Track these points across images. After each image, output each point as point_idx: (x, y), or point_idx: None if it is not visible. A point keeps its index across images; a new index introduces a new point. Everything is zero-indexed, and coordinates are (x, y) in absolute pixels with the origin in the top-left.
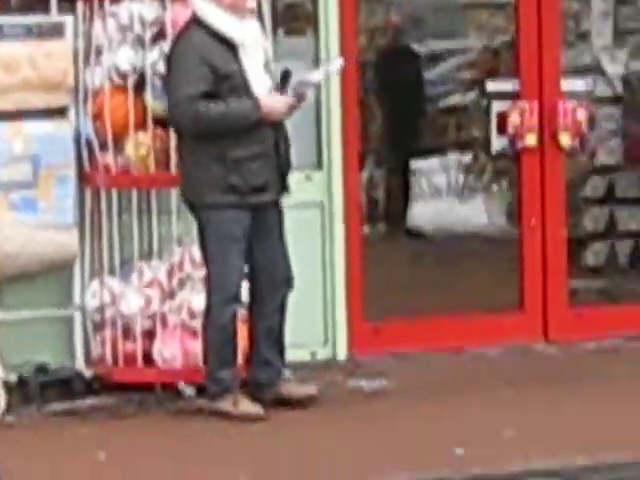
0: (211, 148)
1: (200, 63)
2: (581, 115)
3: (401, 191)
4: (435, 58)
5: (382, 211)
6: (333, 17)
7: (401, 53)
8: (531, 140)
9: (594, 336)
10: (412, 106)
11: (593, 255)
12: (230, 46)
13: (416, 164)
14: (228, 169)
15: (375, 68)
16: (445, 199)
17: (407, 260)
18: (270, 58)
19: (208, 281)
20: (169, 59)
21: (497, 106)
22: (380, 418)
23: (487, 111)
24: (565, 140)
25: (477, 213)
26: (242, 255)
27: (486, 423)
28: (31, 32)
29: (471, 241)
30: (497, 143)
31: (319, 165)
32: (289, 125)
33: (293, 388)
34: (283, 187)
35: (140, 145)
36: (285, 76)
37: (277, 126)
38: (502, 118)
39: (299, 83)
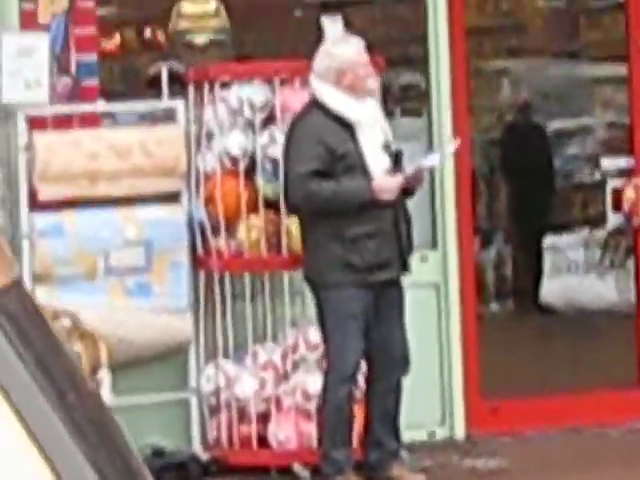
0: (328, 227)
1: (315, 143)
2: None
3: (530, 267)
4: (562, 135)
5: (510, 288)
6: (445, 96)
7: (529, 130)
8: None
9: None
10: (540, 183)
11: None
12: (347, 126)
13: (549, 240)
14: (346, 248)
15: (502, 145)
16: (579, 275)
17: (529, 337)
18: (390, 138)
19: (326, 360)
20: (286, 141)
21: (612, 183)
22: None
23: (602, 187)
24: None
25: (608, 289)
26: (361, 334)
27: None
28: (143, 118)
29: (600, 318)
30: (613, 219)
31: (434, 245)
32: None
33: (403, 474)
34: (403, 266)
35: (252, 228)
36: (397, 156)
37: (396, 205)
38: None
39: (416, 169)
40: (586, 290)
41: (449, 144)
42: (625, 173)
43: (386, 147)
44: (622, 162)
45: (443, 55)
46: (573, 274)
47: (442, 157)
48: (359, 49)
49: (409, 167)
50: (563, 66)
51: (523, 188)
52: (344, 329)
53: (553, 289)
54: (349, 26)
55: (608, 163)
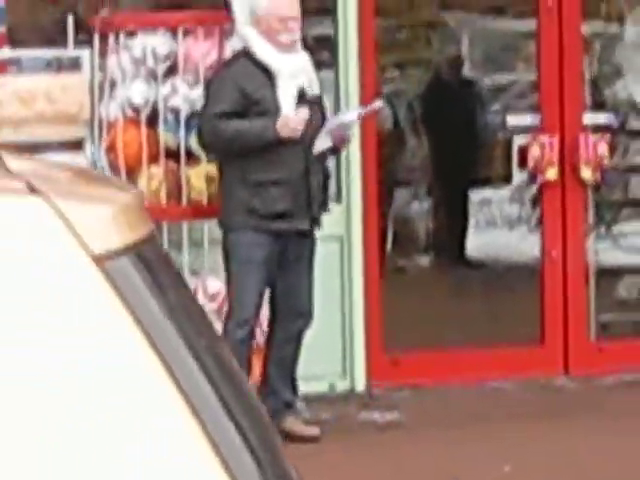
0: (236, 171)
1: (231, 87)
2: (602, 149)
3: (455, 221)
4: (490, 90)
5: (435, 241)
6: (352, 49)
7: (457, 84)
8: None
9: (617, 370)
10: (464, 138)
11: (625, 288)
12: (269, 74)
13: (473, 194)
14: (250, 192)
15: (428, 99)
16: (501, 230)
17: (446, 291)
18: (315, 92)
19: (227, 303)
20: (205, 85)
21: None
22: (386, 451)
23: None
24: (586, 174)
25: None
26: (261, 281)
27: (488, 458)
28: (49, 65)
29: (520, 272)
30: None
31: (338, 198)
32: None
33: (297, 426)
34: (315, 218)
35: (152, 178)
36: (300, 96)
37: (309, 155)
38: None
39: (337, 126)
40: (507, 244)
41: (373, 104)
42: (531, 130)
43: (306, 98)
44: (527, 119)
45: (351, 7)
46: (496, 228)
47: (359, 113)
48: (282, 1)
49: (329, 122)
50: (492, 21)
51: (448, 142)
52: (243, 273)
53: (478, 243)
54: None
55: (514, 120)
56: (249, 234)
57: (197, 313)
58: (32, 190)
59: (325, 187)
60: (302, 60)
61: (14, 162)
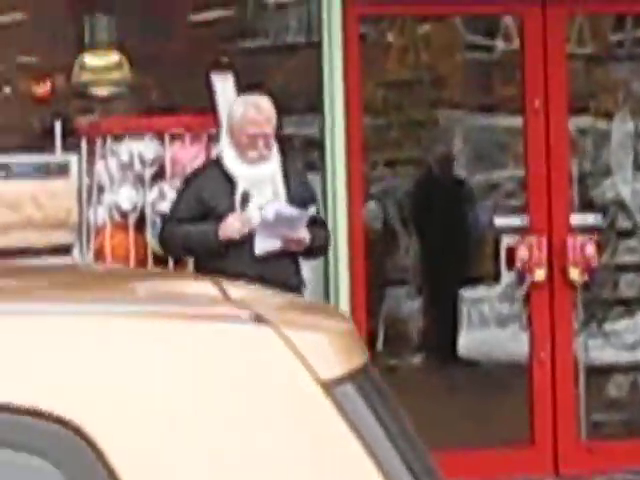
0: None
1: (191, 193)
2: (590, 250)
3: (446, 320)
4: (478, 188)
5: (428, 340)
6: (340, 150)
7: (447, 182)
8: (540, 275)
9: (606, 471)
10: (454, 236)
11: (616, 387)
12: (232, 182)
13: (464, 293)
14: None
15: (419, 197)
16: (491, 328)
17: (438, 390)
18: (279, 199)
19: None
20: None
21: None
22: None
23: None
24: (575, 275)
25: (512, 341)
26: None
27: None
28: (37, 171)
29: (507, 373)
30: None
31: (326, 299)
32: None
33: None
34: None
35: None
36: (244, 198)
37: (262, 269)
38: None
39: (278, 217)
40: (497, 343)
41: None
42: (520, 231)
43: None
44: (515, 220)
45: (338, 107)
46: (487, 327)
47: (278, 212)
48: (253, 115)
49: (269, 214)
50: (481, 119)
51: (438, 241)
52: None
53: (469, 342)
54: (242, 83)
55: (501, 221)
56: None
57: (412, 438)
58: (259, 319)
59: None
60: (268, 170)
61: (233, 290)
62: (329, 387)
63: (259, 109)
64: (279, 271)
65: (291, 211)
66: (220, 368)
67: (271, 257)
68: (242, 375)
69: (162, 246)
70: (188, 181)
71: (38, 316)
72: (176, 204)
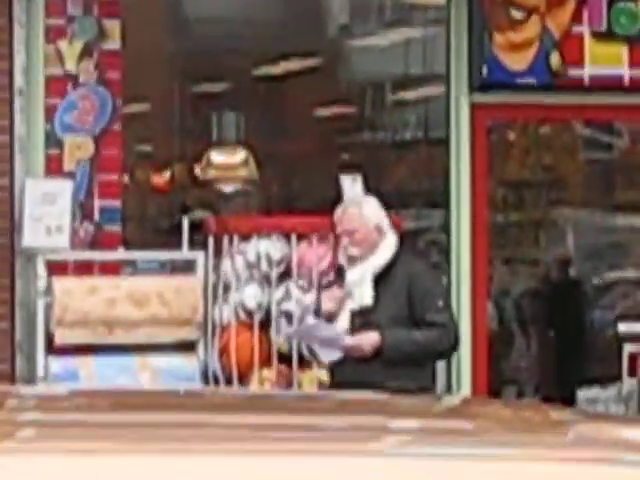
0: None
1: None
2: None
3: None
4: (599, 289)
5: None
6: (465, 250)
7: (567, 283)
8: None
9: None
10: (573, 337)
11: None
12: None
13: (582, 394)
14: None
15: (539, 298)
16: None
17: None
18: (363, 303)
19: None
20: None
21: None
22: None
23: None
24: None
25: None
26: None
27: None
28: (163, 267)
29: None
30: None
31: None
32: None
33: None
34: None
35: (265, 381)
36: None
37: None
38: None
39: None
40: None
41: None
42: None
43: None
44: (638, 327)
45: (464, 206)
46: None
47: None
48: (344, 212)
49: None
50: (603, 219)
51: (555, 341)
52: None
53: None
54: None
55: (624, 327)
56: None
57: None
58: None
59: None
60: (358, 273)
61: (627, 432)
62: None
63: (344, 208)
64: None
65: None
66: None
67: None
68: None
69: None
70: None
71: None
72: None
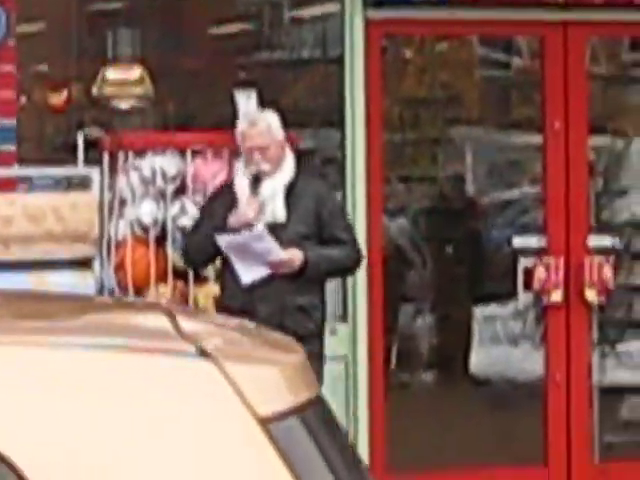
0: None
1: (206, 209)
2: (607, 271)
3: (459, 337)
4: (494, 207)
5: (440, 357)
6: (360, 168)
7: (461, 201)
8: (557, 296)
9: None
10: (469, 255)
11: (629, 409)
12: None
13: (478, 310)
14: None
15: (434, 215)
16: (503, 346)
17: (450, 409)
18: (280, 219)
19: None
20: None
21: (524, 261)
22: None
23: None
24: (591, 296)
25: (529, 361)
26: None
27: None
28: (59, 184)
29: (524, 391)
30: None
31: (344, 318)
32: None
33: None
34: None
35: (160, 297)
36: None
37: (254, 287)
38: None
39: (237, 252)
40: (514, 362)
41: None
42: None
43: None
44: (533, 240)
45: (359, 125)
46: (501, 345)
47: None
48: (247, 129)
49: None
50: (497, 137)
51: (453, 259)
52: None
53: (481, 360)
54: (266, 95)
55: (519, 241)
56: None
57: (359, 469)
58: (202, 353)
59: (289, 315)
60: (269, 188)
61: (186, 323)
62: (267, 422)
63: (253, 123)
64: (278, 295)
65: (241, 237)
66: (159, 401)
67: (265, 282)
68: (180, 409)
69: (184, 256)
70: (207, 197)
71: None
72: (196, 219)
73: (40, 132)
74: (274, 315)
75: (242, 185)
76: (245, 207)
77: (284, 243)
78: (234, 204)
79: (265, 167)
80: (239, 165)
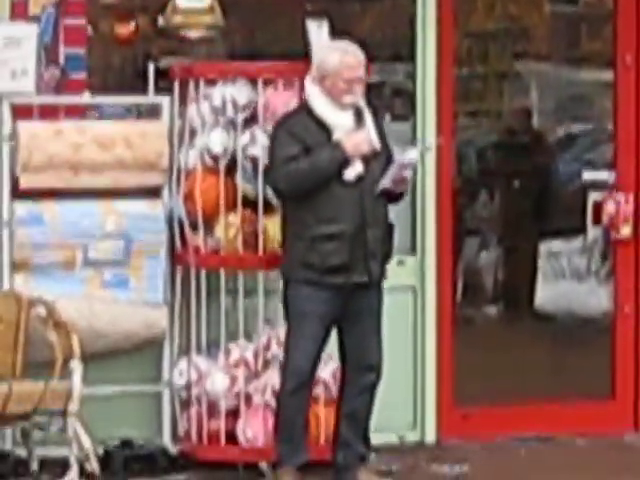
0: (294, 225)
1: (294, 139)
2: None
3: (525, 272)
4: (563, 141)
5: (505, 292)
6: (430, 101)
7: (529, 135)
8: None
9: None
10: (537, 189)
11: None
12: (326, 129)
13: (544, 246)
14: (306, 246)
15: (501, 150)
16: (572, 282)
17: (515, 343)
18: (375, 147)
19: (284, 354)
20: (270, 139)
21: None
22: None
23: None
24: None
25: (601, 298)
26: (317, 335)
27: None
28: (129, 112)
29: (591, 326)
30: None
31: (413, 250)
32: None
33: (370, 477)
34: (372, 271)
35: (230, 226)
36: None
37: (365, 209)
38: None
39: (398, 167)
40: (579, 297)
41: (427, 141)
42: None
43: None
44: (603, 175)
45: (430, 59)
46: (567, 280)
47: (420, 150)
48: (349, 60)
49: (391, 168)
50: (566, 72)
51: (520, 193)
52: (297, 327)
53: (547, 295)
54: (335, 28)
55: (589, 175)
56: (305, 287)
57: None
58: None
59: (386, 240)
60: (369, 119)
61: None
62: None
63: (355, 54)
64: (380, 212)
65: (410, 155)
66: None
67: (376, 210)
68: None
69: (279, 186)
70: (285, 127)
71: None
72: (282, 146)
73: (110, 62)
74: (378, 240)
75: (331, 111)
76: (360, 136)
77: (379, 170)
78: (323, 130)
79: (360, 100)
80: (313, 89)
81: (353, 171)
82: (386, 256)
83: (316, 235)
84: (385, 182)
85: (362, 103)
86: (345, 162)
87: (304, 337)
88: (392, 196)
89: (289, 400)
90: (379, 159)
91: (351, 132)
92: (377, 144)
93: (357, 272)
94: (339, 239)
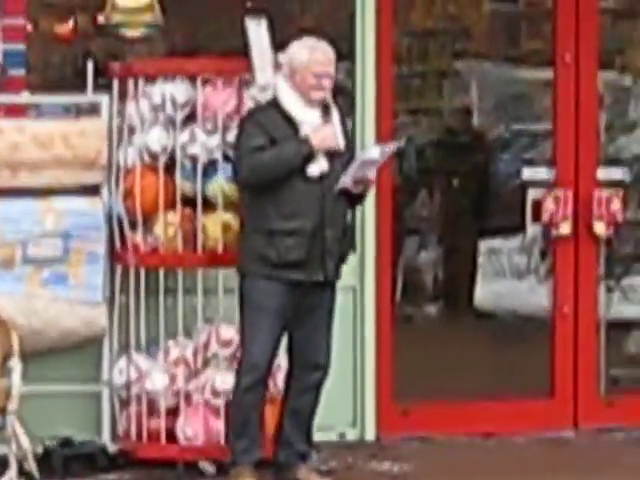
0: (254, 219)
1: (262, 130)
2: (616, 204)
3: (465, 270)
4: (501, 140)
5: (445, 290)
6: (369, 99)
7: (468, 134)
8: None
9: (627, 425)
10: (476, 188)
11: (634, 343)
12: (294, 125)
13: (484, 244)
14: (264, 241)
15: (441, 148)
16: (511, 280)
17: (455, 341)
18: (341, 145)
19: (241, 349)
20: (237, 133)
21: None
22: None
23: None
24: (599, 229)
25: (535, 295)
26: (272, 328)
27: None
28: (68, 111)
29: (530, 324)
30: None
31: (352, 248)
32: None
33: (311, 476)
34: (328, 270)
35: (169, 225)
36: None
37: (325, 207)
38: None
39: (359, 164)
40: (519, 296)
41: (391, 144)
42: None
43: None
44: (542, 173)
45: (369, 57)
46: (507, 279)
47: (382, 151)
48: (318, 56)
49: (353, 165)
50: (506, 70)
51: (459, 192)
52: (254, 319)
53: (486, 293)
54: (275, 25)
55: (528, 173)
56: (262, 282)
57: None
58: None
59: (342, 239)
60: (335, 116)
61: None
62: None
63: (324, 50)
64: (339, 211)
65: (372, 153)
66: None
67: (334, 210)
68: None
69: (244, 175)
70: (254, 119)
71: None
72: (250, 137)
73: (49, 60)
74: (335, 240)
75: (300, 107)
76: (327, 131)
77: (341, 169)
78: (290, 125)
79: (327, 96)
80: (282, 85)
81: (317, 167)
82: (343, 256)
83: (275, 230)
84: (346, 179)
85: (330, 100)
86: (310, 157)
87: (261, 331)
88: (352, 197)
89: (245, 397)
90: (342, 158)
91: (318, 127)
92: (342, 142)
93: (313, 270)
94: (298, 235)
